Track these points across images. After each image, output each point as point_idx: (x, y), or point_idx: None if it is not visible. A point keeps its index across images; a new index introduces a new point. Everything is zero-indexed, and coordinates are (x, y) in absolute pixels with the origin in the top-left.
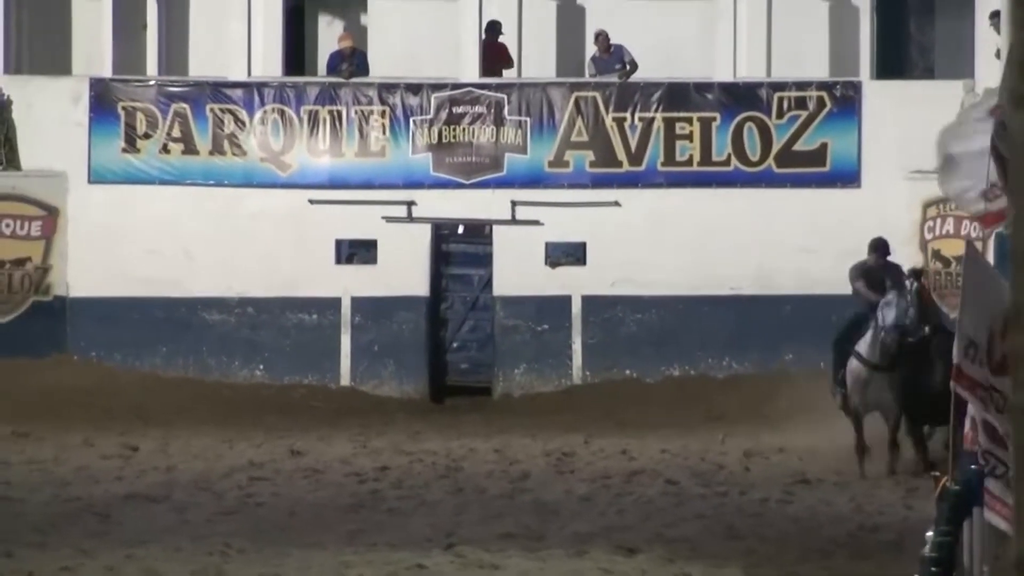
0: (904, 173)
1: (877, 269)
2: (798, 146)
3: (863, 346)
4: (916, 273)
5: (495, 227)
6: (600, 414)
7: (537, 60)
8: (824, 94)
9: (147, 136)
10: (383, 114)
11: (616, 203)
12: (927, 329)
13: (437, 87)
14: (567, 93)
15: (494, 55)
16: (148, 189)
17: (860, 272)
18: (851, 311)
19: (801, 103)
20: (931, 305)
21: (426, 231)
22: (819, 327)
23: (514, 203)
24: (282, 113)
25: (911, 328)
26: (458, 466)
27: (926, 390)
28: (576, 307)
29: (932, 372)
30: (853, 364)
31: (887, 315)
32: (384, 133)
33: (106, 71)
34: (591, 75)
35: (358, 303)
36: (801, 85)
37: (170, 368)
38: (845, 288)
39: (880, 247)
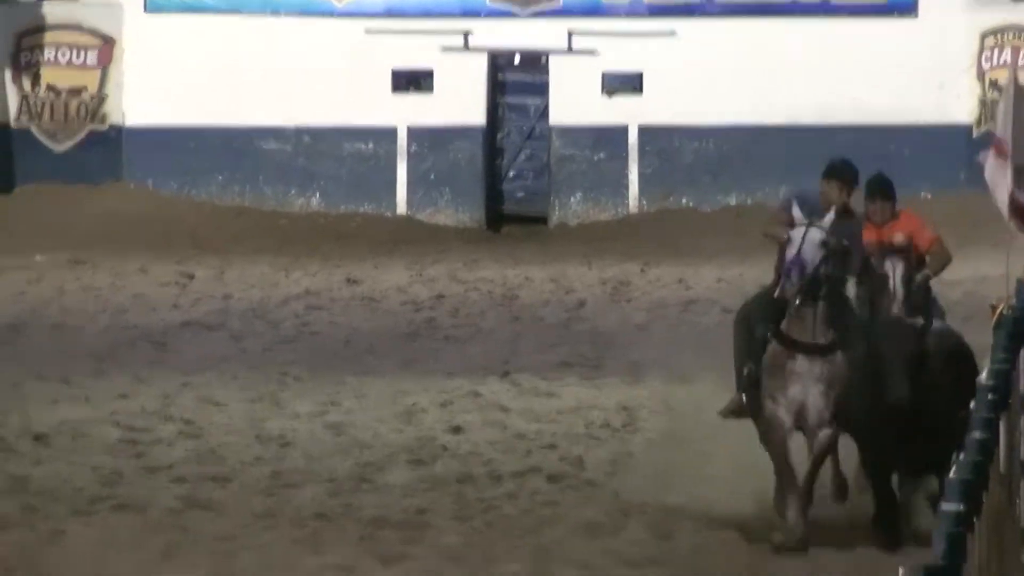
0: (962, 3)
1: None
2: None
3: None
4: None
5: (551, 56)
6: (656, 243)
7: None
8: None
9: None
10: None
11: (672, 32)
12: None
13: None
14: None
15: None
16: (204, 18)
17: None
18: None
19: None
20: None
21: (483, 60)
22: (875, 158)
23: (570, 33)
24: None
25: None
26: (514, 295)
27: (902, 399)
28: (632, 136)
29: (919, 371)
30: (771, 349)
31: (789, 253)
32: None
33: None
34: None
35: (414, 132)
36: None
37: (226, 196)
38: (902, 118)
39: (839, 172)
